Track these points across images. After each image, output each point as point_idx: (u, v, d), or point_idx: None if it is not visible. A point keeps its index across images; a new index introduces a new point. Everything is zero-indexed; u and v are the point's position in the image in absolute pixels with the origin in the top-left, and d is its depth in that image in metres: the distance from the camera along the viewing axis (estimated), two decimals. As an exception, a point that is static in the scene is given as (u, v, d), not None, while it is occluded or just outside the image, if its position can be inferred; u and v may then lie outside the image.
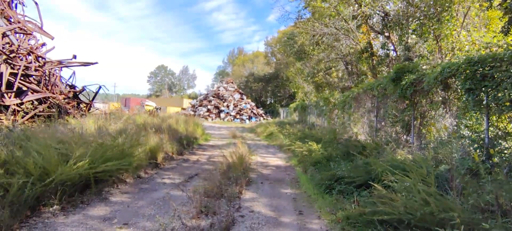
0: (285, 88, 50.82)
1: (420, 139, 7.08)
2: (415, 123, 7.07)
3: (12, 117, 8.69)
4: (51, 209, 3.64)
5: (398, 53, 12.92)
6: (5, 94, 8.30)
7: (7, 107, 8.36)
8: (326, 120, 16.69)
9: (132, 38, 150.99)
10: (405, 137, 7.78)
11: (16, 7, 11.89)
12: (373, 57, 16.21)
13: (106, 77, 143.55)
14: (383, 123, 9.07)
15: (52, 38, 12.27)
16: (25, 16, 12.05)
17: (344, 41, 19.44)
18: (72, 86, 12.28)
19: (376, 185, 4.03)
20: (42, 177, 3.60)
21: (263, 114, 40.62)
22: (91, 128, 8.32)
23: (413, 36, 12.01)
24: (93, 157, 4.42)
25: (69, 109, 10.62)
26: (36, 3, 12.25)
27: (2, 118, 8.42)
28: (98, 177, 4.41)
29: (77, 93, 12.25)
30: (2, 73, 8.42)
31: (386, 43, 13.87)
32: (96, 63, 11.88)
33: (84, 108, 12.19)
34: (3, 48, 8.53)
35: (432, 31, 10.94)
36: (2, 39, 8.70)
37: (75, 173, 3.90)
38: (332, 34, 18.90)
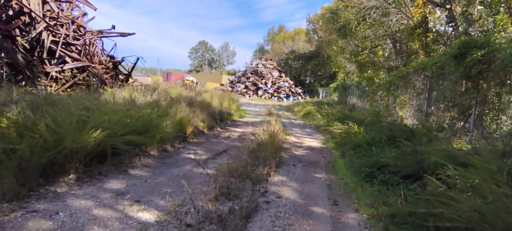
0: (325, 67, 48.97)
1: (481, 127, 6.05)
2: (476, 108, 6.02)
3: (54, 84, 8.95)
4: (66, 178, 3.45)
5: (459, 28, 11.32)
6: (46, 61, 8.51)
7: (48, 74, 8.58)
8: (368, 102, 15.63)
9: (175, 15, 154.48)
10: (462, 123, 6.75)
11: (61, -23, 12.16)
12: (427, 34, 14.53)
13: (151, 52, 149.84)
14: (433, 107, 8.03)
15: (95, 9, 12.44)
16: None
17: (394, 16, 17.78)
18: (112, 57, 12.48)
19: (430, 178, 3.32)
20: (57, 143, 3.40)
21: (301, 93, 39.55)
22: (125, 97, 8.33)
23: (480, 8, 10.36)
24: (114, 126, 4.19)
25: (107, 79, 10.79)
26: (80, -26, 12.40)
27: (47, 84, 8.68)
28: (118, 148, 4.17)
29: (117, 64, 12.44)
30: (43, 40, 8.61)
31: (449, 17, 12.22)
32: (134, 33, 11.89)
33: (123, 79, 12.38)
34: (44, 15, 8.68)
35: (504, 3, 9.33)
36: (43, 6, 8.84)
37: (93, 141, 3.67)
38: (381, 8, 17.31)
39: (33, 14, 8.09)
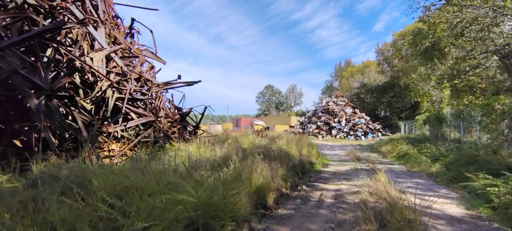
0: (404, 99, 43.95)
1: None
2: None
3: (118, 144, 8.12)
4: None
5: None
6: (109, 120, 7.73)
7: (110, 134, 7.77)
8: (487, 134, 12.15)
9: (242, 64, 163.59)
10: None
11: (133, 36, 12.24)
12: None
13: (221, 101, 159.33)
14: None
15: (164, 63, 12.12)
16: (144, 45, 12.32)
17: (505, 25, 14.37)
18: (179, 109, 11.72)
19: None
20: None
21: (381, 129, 35.31)
22: (189, 154, 6.97)
23: None
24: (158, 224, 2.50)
25: (174, 133, 9.79)
26: (151, 31, 12.39)
27: (112, 147, 7.87)
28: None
29: (184, 115, 11.60)
30: (108, 98, 7.95)
31: None
32: (200, 81, 10.99)
33: (191, 131, 11.40)
34: (109, 72, 8.11)
35: None
36: (108, 63, 8.33)
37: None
38: (487, 18, 14.00)
39: (95, 72, 7.51)
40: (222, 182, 3.88)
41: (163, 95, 10.52)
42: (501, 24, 14.39)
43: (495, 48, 16.27)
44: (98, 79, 7.66)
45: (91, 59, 7.43)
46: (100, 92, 7.84)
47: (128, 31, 11.86)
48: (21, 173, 4.17)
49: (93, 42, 8.04)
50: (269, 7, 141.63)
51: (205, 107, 11.76)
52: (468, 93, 20.62)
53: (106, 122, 7.67)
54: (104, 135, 7.40)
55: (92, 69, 7.17)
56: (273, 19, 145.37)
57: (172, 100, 12.46)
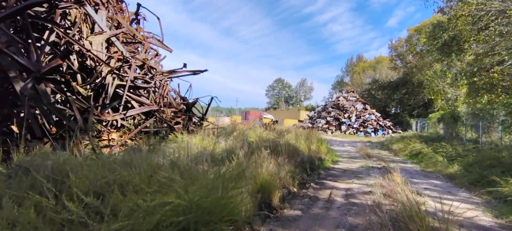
0: (416, 96, 42.66)
1: None
2: None
3: (117, 134, 7.74)
4: None
5: None
6: (107, 107, 7.36)
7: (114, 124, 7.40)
8: (509, 135, 11.53)
9: (252, 57, 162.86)
10: None
11: (139, 23, 11.84)
12: None
13: (230, 93, 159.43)
14: None
15: (171, 51, 11.72)
16: (150, 33, 11.92)
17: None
18: (184, 99, 11.32)
19: None
20: None
21: (392, 127, 34.40)
22: (193, 148, 6.59)
23: None
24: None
25: (178, 123, 9.39)
26: (158, 18, 11.96)
27: (112, 136, 7.51)
28: None
29: (190, 106, 11.20)
30: (107, 84, 7.57)
31: None
32: (206, 70, 10.56)
33: (196, 122, 11.01)
34: (109, 57, 7.72)
35: None
36: (109, 48, 7.94)
37: None
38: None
39: (94, 57, 7.11)
40: (222, 179, 3.44)
41: (167, 84, 10.12)
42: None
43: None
44: (98, 64, 7.28)
45: (90, 43, 7.05)
46: (100, 78, 7.47)
47: (134, 17, 11.47)
48: (3, 162, 3.81)
49: (94, 26, 7.65)
50: (280, 0, 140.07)
51: (212, 98, 11.36)
52: (488, 91, 19.65)
53: (105, 109, 7.31)
54: (103, 123, 7.04)
55: (89, 53, 6.78)
56: (284, 12, 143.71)
57: (179, 91, 12.09)
